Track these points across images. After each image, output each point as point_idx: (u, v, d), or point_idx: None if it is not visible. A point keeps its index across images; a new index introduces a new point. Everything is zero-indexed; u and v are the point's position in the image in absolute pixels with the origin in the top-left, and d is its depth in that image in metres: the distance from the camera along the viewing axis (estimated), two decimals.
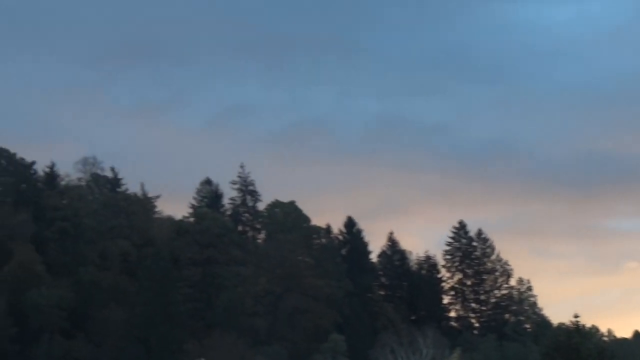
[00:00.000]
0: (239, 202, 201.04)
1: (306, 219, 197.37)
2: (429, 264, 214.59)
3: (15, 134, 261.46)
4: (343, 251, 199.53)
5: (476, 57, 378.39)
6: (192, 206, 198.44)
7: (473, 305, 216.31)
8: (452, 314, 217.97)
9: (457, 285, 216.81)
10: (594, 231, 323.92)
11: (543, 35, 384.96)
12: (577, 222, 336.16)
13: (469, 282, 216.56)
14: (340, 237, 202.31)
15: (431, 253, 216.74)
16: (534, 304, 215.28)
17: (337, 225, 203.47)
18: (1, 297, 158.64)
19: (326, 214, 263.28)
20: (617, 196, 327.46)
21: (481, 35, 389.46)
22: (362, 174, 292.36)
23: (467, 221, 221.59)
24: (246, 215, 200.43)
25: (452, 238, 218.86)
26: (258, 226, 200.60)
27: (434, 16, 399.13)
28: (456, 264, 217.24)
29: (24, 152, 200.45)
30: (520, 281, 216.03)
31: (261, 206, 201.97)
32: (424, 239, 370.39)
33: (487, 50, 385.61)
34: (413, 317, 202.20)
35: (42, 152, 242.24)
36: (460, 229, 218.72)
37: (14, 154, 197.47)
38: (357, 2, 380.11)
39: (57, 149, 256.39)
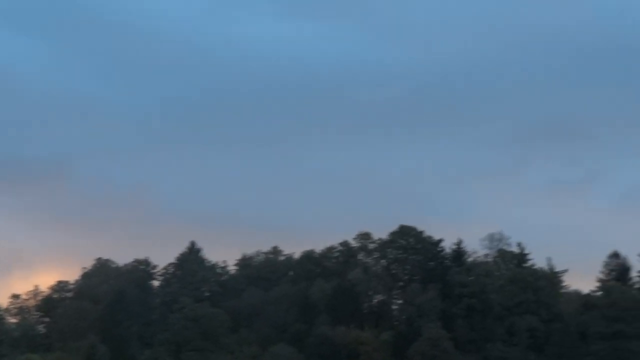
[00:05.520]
0: None
1: None
2: None
3: (424, 215, 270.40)
4: None
5: None
6: (599, 280, 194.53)
7: None
8: None
9: None
10: None
11: None
12: None
13: None
14: None
15: None
16: None
17: None
18: None
19: None
20: None
21: None
22: None
23: None
24: None
25: None
26: None
27: None
28: None
29: (432, 231, 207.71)
30: None
31: None
32: None
33: None
34: None
35: (450, 231, 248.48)
36: None
37: (421, 232, 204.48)
38: None
39: (465, 228, 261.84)
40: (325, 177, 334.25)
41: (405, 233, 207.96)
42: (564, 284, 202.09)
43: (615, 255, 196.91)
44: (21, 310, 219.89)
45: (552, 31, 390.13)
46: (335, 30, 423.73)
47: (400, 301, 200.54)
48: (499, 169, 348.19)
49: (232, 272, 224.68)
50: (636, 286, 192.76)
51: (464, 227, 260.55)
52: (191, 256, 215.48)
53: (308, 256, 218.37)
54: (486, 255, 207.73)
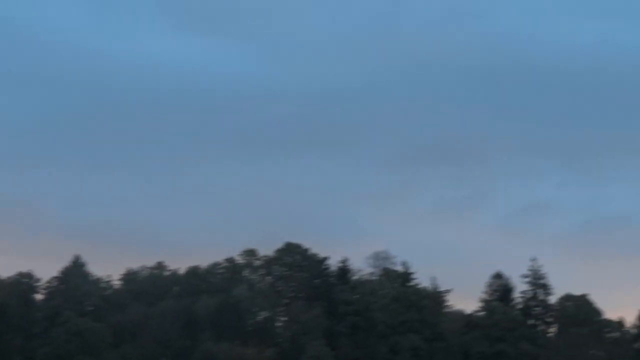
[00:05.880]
0: (529, 295, 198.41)
1: (598, 313, 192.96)
2: None
3: (311, 233, 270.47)
4: (636, 345, 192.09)
5: None
6: (482, 300, 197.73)
7: None
8: None
9: None
10: None
11: None
12: None
13: None
14: (634, 331, 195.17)
15: None
16: None
17: (631, 320, 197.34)
18: None
19: (619, 308, 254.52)
20: None
21: None
22: None
23: None
24: (537, 308, 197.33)
25: None
26: (549, 320, 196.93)
27: None
28: None
29: (318, 248, 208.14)
30: None
31: (552, 299, 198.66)
32: None
33: None
34: None
35: (336, 250, 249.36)
36: None
37: (307, 250, 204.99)
38: None
39: (352, 247, 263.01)
40: (212, 193, 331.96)
41: (291, 250, 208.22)
42: (447, 303, 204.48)
43: (498, 276, 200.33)
44: None
45: (439, 52, 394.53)
46: (225, 46, 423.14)
47: (284, 318, 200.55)
48: (386, 189, 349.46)
49: (116, 286, 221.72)
50: (518, 307, 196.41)
51: (350, 245, 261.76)
52: (75, 270, 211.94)
53: (193, 272, 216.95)
54: (371, 274, 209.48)
